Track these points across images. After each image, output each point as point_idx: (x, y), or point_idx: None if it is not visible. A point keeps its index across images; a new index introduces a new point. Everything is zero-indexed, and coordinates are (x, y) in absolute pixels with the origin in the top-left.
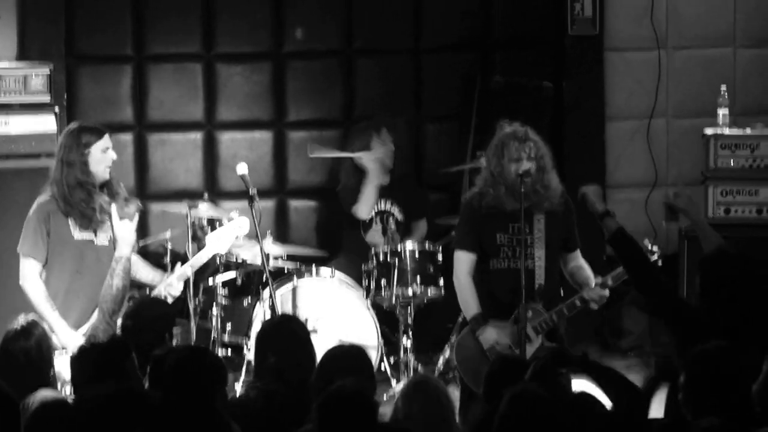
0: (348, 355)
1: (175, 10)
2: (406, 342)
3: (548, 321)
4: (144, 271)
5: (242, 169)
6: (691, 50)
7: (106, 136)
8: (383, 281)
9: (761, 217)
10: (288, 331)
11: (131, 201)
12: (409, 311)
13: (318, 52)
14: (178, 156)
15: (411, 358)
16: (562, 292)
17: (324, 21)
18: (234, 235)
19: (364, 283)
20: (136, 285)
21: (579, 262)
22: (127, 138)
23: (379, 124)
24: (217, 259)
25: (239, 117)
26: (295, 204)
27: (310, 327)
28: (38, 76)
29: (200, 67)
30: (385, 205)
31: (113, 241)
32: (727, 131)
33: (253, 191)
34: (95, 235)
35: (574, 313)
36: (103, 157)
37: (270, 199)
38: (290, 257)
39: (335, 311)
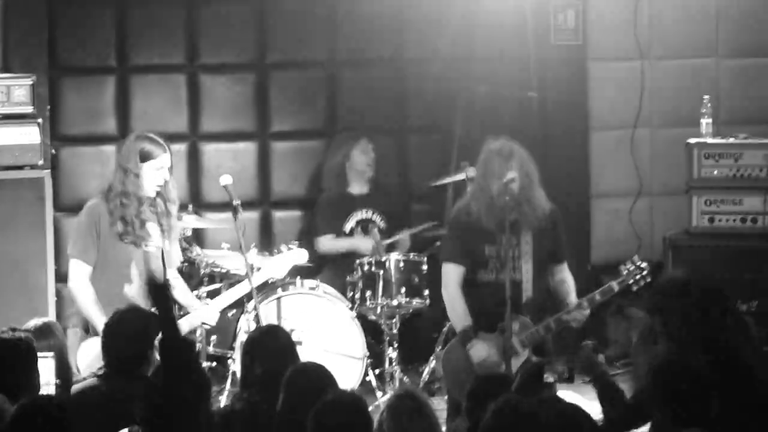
0: (309, 372)
1: (159, 21)
2: (392, 353)
3: (535, 334)
4: (181, 294)
5: (226, 180)
6: (674, 60)
7: (164, 156)
8: (368, 292)
9: (745, 226)
10: (275, 342)
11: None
12: (394, 322)
13: (302, 63)
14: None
15: (396, 369)
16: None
17: (308, 32)
18: (291, 264)
19: (349, 294)
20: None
21: (563, 275)
22: (111, 149)
23: (359, 134)
24: (201, 270)
25: (223, 128)
26: (279, 215)
27: (295, 339)
28: (21, 87)
29: (184, 78)
30: (366, 214)
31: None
32: (710, 141)
33: (236, 202)
34: (149, 241)
35: (562, 327)
36: (154, 175)
37: (254, 210)
38: None
39: (320, 323)
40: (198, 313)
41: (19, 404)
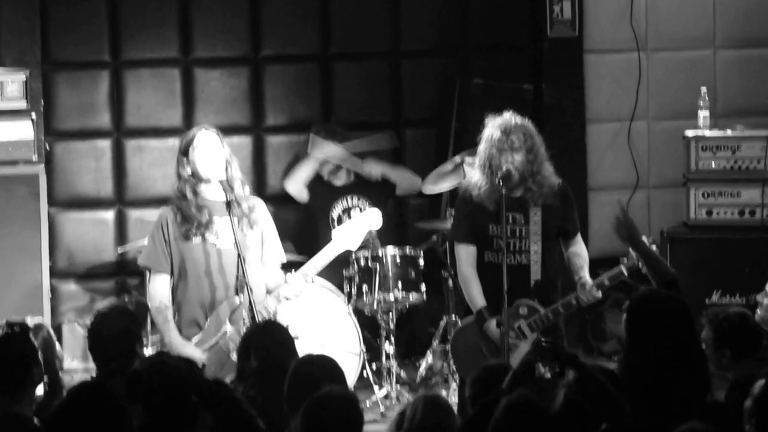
0: (318, 364)
1: (152, 15)
2: (389, 348)
3: (543, 318)
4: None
5: (221, 175)
6: (671, 52)
7: (200, 133)
8: (364, 287)
9: (743, 218)
10: (272, 336)
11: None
12: (391, 317)
13: (296, 57)
14: (156, 162)
15: (393, 363)
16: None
17: (302, 25)
18: (366, 229)
19: (346, 288)
20: None
21: (576, 248)
22: (105, 144)
23: (328, 127)
24: None
25: (217, 122)
26: (274, 209)
27: (291, 333)
28: (14, 82)
29: (178, 72)
30: (351, 202)
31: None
32: (708, 133)
33: (231, 197)
34: (217, 238)
35: (571, 311)
36: (200, 156)
37: None
38: None
39: (316, 317)
40: (281, 290)
41: (70, 390)
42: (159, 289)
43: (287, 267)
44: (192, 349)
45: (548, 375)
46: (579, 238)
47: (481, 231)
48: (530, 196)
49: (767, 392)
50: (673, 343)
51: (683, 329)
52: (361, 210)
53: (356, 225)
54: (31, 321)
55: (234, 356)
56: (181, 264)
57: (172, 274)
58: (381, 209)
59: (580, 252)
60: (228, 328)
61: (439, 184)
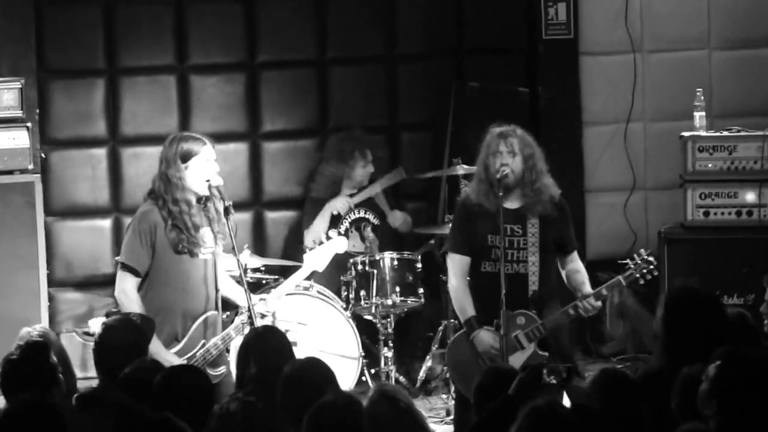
0: (309, 368)
1: (147, 22)
2: (387, 352)
3: (540, 329)
4: (229, 288)
5: (217, 180)
6: (666, 53)
7: (205, 148)
8: (362, 292)
9: (740, 219)
10: (271, 342)
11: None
12: (389, 321)
13: (292, 62)
14: (152, 169)
15: (392, 368)
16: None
17: (297, 30)
18: (332, 253)
19: (344, 293)
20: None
21: (575, 265)
22: (101, 152)
23: (363, 144)
24: None
25: (214, 129)
26: (271, 216)
27: (290, 339)
28: (10, 91)
29: (173, 79)
30: (358, 213)
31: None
32: (704, 134)
33: (228, 203)
34: (202, 249)
35: (568, 321)
36: (201, 171)
37: (246, 211)
38: (268, 269)
39: (315, 323)
40: (256, 308)
41: (13, 402)
42: (134, 291)
43: (286, 271)
44: (174, 359)
45: (554, 381)
46: (576, 255)
47: (479, 241)
48: (528, 205)
49: (723, 374)
50: (709, 334)
51: (718, 321)
52: (369, 221)
53: (324, 250)
54: (32, 329)
55: (208, 369)
56: (165, 273)
57: (144, 277)
58: (382, 219)
59: (579, 268)
60: (206, 340)
61: None
